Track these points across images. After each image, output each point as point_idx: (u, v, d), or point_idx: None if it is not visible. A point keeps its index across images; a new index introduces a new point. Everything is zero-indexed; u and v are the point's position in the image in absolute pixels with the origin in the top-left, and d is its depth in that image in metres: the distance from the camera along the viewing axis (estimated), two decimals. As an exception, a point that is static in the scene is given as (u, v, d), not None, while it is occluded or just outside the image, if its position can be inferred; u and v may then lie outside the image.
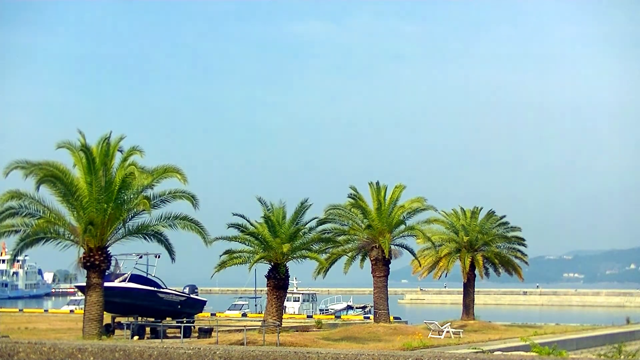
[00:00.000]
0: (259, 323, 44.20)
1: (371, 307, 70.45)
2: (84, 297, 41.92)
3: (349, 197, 50.75)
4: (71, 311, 76.11)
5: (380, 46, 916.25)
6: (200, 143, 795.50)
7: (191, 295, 49.70)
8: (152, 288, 45.98)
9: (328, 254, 48.63)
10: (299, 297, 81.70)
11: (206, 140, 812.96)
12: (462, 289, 59.49)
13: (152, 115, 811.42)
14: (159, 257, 46.17)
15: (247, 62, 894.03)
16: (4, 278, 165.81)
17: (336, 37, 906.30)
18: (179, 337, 41.30)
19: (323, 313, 79.37)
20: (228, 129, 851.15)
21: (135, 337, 41.87)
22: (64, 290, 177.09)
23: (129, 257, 46.76)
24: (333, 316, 74.17)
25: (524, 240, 59.27)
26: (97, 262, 38.30)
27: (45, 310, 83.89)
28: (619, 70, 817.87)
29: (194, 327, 45.84)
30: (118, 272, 46.06)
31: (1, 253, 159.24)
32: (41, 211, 38.10)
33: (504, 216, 59.25)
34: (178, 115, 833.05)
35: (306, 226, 43.75)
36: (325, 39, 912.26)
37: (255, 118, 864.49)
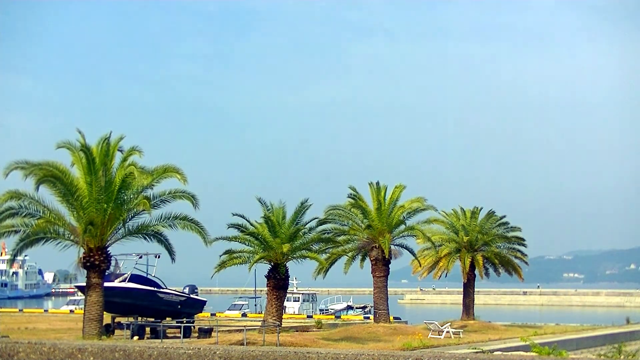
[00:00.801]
0: (259, 323, 44.20)
1: (371, 307, 70.45)
2: (83, 297, 41.92)
3: (349, 197, 50.76)
4: (71, 311, 76.13)
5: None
6: (200, 142, 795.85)
7: (191, 295, 49.70)
8: (152, 288, 45.97)
9: (328, 254, 48.63)
10: (298, 297, 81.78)
11: (206, 139, 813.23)
12: (462, 289, 59.49)
13: (150, 114, 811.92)
14: (159, 257, 46.16)
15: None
16: (4, 278, 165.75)
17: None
18: (179, 337, 41.28)
19: (323, 313, 79.43)
20: (228, 127, 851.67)
21: (135, 337, 41.87)
22: (64, 290, 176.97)
23: (129, 257, 46.80)
24: (333, 316, 74.20)
25: (524, 240, 59.30)
26: (97, 262, 38.31)
27: (45, 310, 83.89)
28: (620, 64, 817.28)
29: (194, 327, 45.82)
30: (118, 272, 46.06)
31: (1, 253, 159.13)
32: (41, 211, 38.10)
33: (504, 216, 59.29)
34: (177, 114, 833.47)
35: (306, 226, 43.77)
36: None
37: (254, 115, 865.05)
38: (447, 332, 45.30)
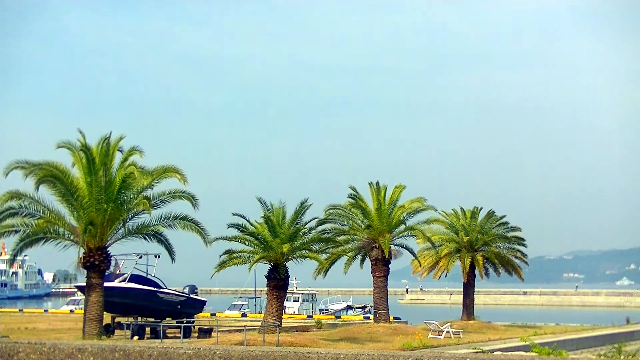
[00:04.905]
0: (259, 323, 44.18)
1: (371, 307, 70.43)
2: (83, 297, 41.91)
3: (349, 197, 50.75)
4: (71, 311, 76.11)
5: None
6: (200, 142, 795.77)
7: (191, 295, 49.67)
8: (152, 288, 45.96)
9: (328, 254, 48.58)
10: (298, 297, 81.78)
11: (206, 139, 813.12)
12: (462, 289, 59.48)
13: (151, 114, 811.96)
14: (158, 257, 46.15)
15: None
16: (3, 278, 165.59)
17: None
18: (179, 337, 41.30)
19: (322, 313, 79.42)
20: (228, 127, 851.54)
21: (135, 337, 41.87)
22: (63, 290, 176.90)
23: (129, 257, 46.75)
24: (333, 316, 74.20)
25: (523, 240, 59.30)
26: (97, 262, 38.31)
27: (45, 311, 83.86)
28: (619, 65, 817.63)
29: (193, 327, 45.83)
30: (118, 272, 46.04)
31: (1, 253, 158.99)
32: (41, 211, 38.11)
33: (504, 216, 59.29)
34: (177, 114, 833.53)
35: (306, 226, 43.70)
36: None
37: (255, 116, 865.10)
38: (447, 332, 45.31)
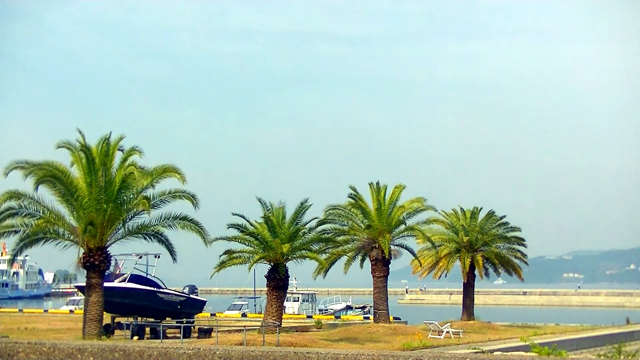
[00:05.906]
0: (259, 323, 44.19)
1: (370, 307, 70.46)
2: (83, 297, 41.93)
3: (349, 197, 50.76)
4: (71, 311, 76.15)
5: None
6: (200, 141, 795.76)
7: (191, 296, 49.69)
8: (151, 288, 45.98)
9: (328, 254, 48.60)
10: (298, 297, 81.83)
11: (206, 138, 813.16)
12: (462, 289, 59.48)
13: (151, 113, 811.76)
14: (158, 257, 46.19)
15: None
16: (4, 278, 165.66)
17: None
18: (179, 337, 41.30)
19: (322, 313, 79.45)
20: (228, 127, 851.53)
21: (135, 337, 41.87)
22: (63, 290, 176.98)
23: (129, 257, 46.80)
24: (333, 316, 74.21)
25: (523, 240, 59.27)
26: (96, 263, 38.32)
27: (45, 311, 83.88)
28: (620, 65, 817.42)
29: (193, 327, 45.83)
30: (118, 272, 46.07)
31: (2, 253, 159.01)
32: (41, 211, 38.11)
33: (504, 216, 59.25)
34: (178, 113, 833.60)
35: (306, 226, 43.70)
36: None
37: (255, 113, 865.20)
38: (447, 332, 45.31)
